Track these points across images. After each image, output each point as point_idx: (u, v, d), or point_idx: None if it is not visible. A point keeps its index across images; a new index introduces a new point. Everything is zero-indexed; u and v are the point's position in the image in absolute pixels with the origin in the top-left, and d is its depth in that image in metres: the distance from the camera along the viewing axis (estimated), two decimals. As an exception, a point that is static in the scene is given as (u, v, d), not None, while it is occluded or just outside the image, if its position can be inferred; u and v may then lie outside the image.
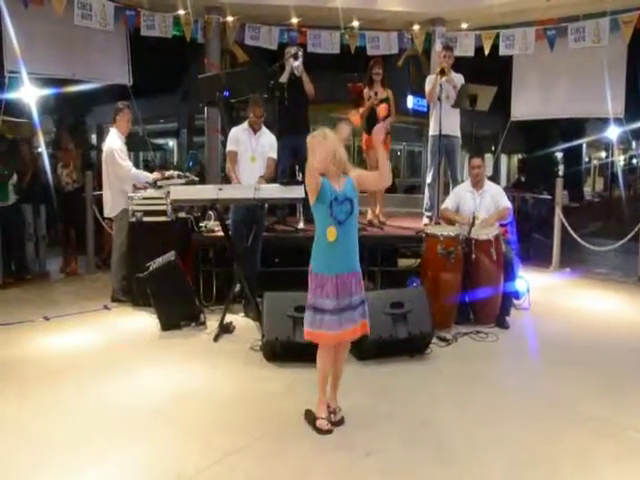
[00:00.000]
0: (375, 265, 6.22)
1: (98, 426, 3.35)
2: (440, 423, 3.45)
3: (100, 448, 3.11)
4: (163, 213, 5.97)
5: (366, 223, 6.77)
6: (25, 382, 4.01)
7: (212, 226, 6.34)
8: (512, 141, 18.93)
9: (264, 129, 5.88)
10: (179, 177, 6.33)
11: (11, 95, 7.57)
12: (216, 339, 4.95)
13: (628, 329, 5.47)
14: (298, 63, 6.61)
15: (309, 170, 3.22)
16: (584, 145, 26.62)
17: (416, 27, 9.00)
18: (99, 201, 6.93)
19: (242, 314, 5.61)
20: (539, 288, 6.70)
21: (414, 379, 4.15)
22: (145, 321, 5.49)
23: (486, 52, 8.86)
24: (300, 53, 6.69)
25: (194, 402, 3.72)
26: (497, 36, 8.74)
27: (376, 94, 6.70)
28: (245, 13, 8.64)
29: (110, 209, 6.26)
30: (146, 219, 5.95)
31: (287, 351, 4.28)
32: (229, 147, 5.80)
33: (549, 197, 10.28)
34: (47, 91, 10.79)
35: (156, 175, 6.24)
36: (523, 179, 19.78)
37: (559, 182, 8.67)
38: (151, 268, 5.33)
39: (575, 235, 8.23)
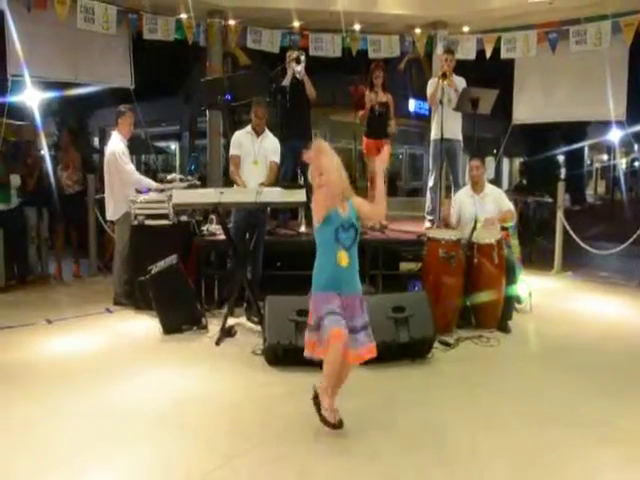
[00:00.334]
0: (377, 269, 6.22)
1: (101, 430, 3.35)
2: (442, 427, 3.44)
3: (103, 452, 3.11)
4: (165, 216, 5.98)
5: (368, 227, 6.77)
6: (28, 385, 4.02)
7: (214, 229, 6.35)
8: (514, 144, 18.97)
9: (267, 132, 5.88)
10: (181, 180, 6.34)
11: (14, 98, 7.59)
12: (218, 343, 4.95)
13: (631, 333, 5.46)
14: (300, 68, 6.62)
15: (318, 201, 3.20)
16: (586, 148, 26.64)
17: (418, 30, 9.01)
18: (101, 204, 6.94)
19: (244, 317, 5.61)
20: (541, 292, 6.70)
21: (416, 383, 4.15)
22: (147, 325, 5.49)
23: (487, 55, 8.88)
24: (303, 57, 6.69)
25: (196, 406, 3.72)
26: (499, 39, 8.76)
27: (376, 94, 6.75)
28: (247, 16, 8.67)
29: (112, 212, 6.27)
30: (148, 222, 5.96)
31: (289, 355, 4.27)
32: (232, 151, 5.81)
33: (551, 200, 10.29)
34: (50, 94, 10.82)
35: (159, 186, 6.26)
36: (525, 182, 19.79)
37: (561, 185, 8.67)
38: (153, 271, 5.33)
39: (577, 238, 8.22)
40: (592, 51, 8.20)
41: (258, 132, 5.79)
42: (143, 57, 9.20)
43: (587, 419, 3.57)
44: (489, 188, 5.95)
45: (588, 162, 30.42)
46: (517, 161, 29.05)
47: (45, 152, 8.85)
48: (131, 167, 6.26)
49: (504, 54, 8.81)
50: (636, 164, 32.74)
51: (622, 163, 27.51)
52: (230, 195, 5.28)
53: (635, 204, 19.72)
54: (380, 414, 3.61)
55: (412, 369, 4.42)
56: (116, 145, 6.18)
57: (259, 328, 5.01)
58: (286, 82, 6.68)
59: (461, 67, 7.36)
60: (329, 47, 9.08)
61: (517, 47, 8.68)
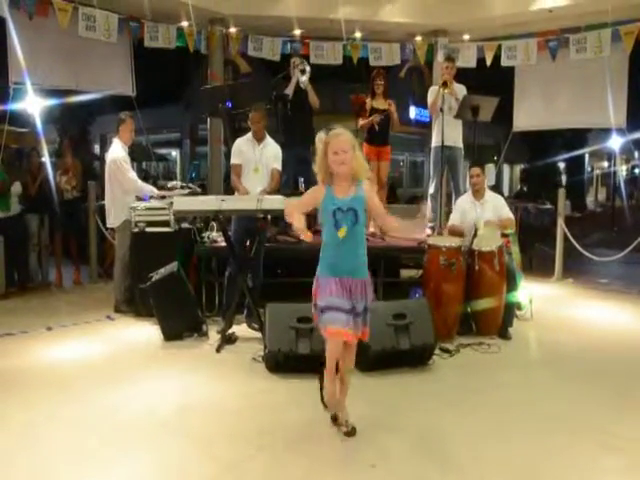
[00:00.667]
0: (377, 276, 6.21)
1: (102, 437, 3.35)
2: (444, 434, 3.43)
3: (104, 459, 3.10)
4: (166, 224, 5.98)
5: (368, 234, 6.76)
6: (28, 393, 4.01)
7: (215, 237, 6.35)
8: (514, 151, 18.97)
9: (269, 139, 5.87)
10: (182, 188, 6.34)
11: (16, 106, 7.62)
12: (218, 350, 4.95)
13: (632, 340, 5.45)
14: (305, 78, 6.65)
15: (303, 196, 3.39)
16: (586, 155, 26.64)
17: (418, 38, 9.07)
18: (102, 211, 6.95)
19: (245, 324, 5.61)
20: (542, 298, 6.69)
21: (417, 390, 4.14)
22: (148, 332, 5.49)
23: (488, 63, 8.91)
24: (308, 68, 6.73)
25: (197, 413, 3.71)
26: (499, 47, 8.81)
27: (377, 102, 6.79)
28: (248, 24, 8.71)
29: (113, 219, 6.27)
30: (149, 230, 5.96)
31: (289, 362, 4.28)
32: (233, 160, 5.80)
33: (551, 207, 10.30)
34: (51, 101, 10.85)
35: (160, 193, 6.26)
36: (525, 189, 19.81)
37: (561, 192, 8.67)
38: (154, 279, 5.33)
39: (577, 245, 8.22)
40: (592, 59, 8.24)
41: (259, 139, 5.79)
42: (144, 64, 9.23)
43: (589, 426, 3.55)
44: (490, 195, 5.95)
45: (589, 169, 30.44)
46: (518, 168, 29.09)
47: (46, 159, 8.87)
48: (132, 175, 6.26)
49: (504, 62, 8.85)
50: (636, 171, 32.80)
51: (622, 170, 27.57)
52: (231, 202, 5.28)
53: (636, 211, 19.71)
54: (381, 421, 3.60)
55: (413, 376, 4.40)
56: (117, 152, 6.18)
57: (259, 335, 5.01)
58: (289, 90, 6.70)
59: (462, 75, 7.39)
60: (330, 55, 9.12)
61: (517, 55, 8.73)
